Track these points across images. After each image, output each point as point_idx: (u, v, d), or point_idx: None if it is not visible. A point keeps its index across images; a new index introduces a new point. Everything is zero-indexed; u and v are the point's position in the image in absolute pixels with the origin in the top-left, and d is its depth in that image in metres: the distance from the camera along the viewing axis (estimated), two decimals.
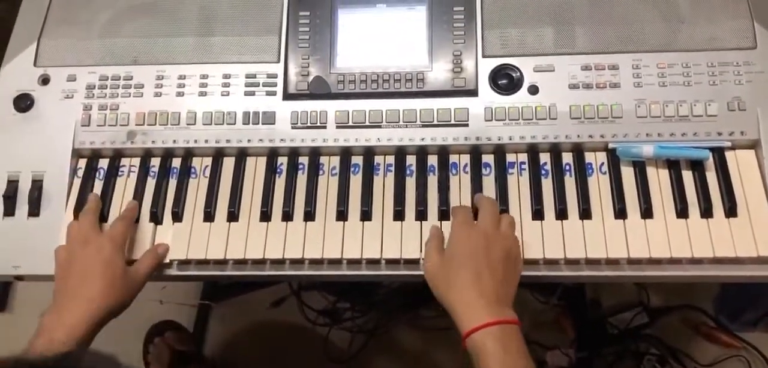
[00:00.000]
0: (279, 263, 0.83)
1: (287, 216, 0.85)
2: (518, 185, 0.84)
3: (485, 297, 0.70)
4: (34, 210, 0.87)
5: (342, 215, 0.84)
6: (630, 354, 1.43)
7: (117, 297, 0.77)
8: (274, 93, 0.89)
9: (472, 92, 0.87)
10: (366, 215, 0.84)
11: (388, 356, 1.49)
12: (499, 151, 0.86)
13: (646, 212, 0.81)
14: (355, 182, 0.86)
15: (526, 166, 0.85)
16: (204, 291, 1.58)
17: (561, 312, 1.48)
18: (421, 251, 0.81)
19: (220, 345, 1.56)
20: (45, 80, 0.92)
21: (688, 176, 0.83)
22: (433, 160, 0.87)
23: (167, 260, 0.84)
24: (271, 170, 0.88)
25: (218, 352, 1.55)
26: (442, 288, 0.74)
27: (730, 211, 0.80)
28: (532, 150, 0.86)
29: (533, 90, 0.87)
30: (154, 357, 1.48)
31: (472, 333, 0.68)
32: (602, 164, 0.85)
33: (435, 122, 0.87)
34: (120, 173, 0.90)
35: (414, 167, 0.86)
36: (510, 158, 0.86)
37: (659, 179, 0.83)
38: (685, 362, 1.42)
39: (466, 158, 0.87)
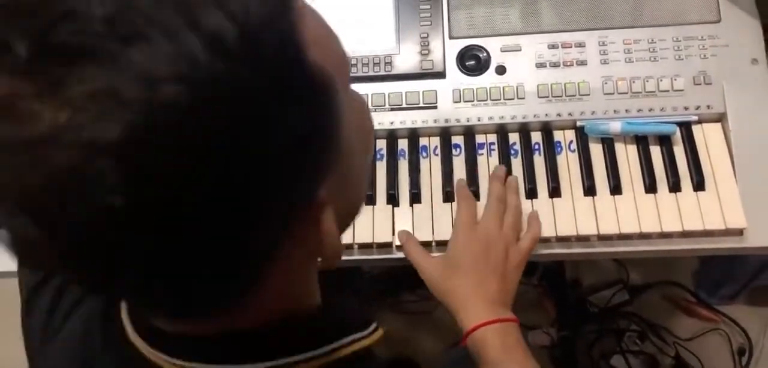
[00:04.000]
0: None
1: None
2: (488, 166, 0.84)
3: (486, 301, 0.71)
4: None
5: None
6: (611, 332, 1.44)
7: None
8: None
9: (440, 74, 0.87)
10: None
11: None
12: (469, 132, 0.86)
13: (615, 189, 0.81)
14: None
15: (495, 146, 0.85)
16: None
17: (542, 292, 1.48)
18: (393, 234, 0.81)
19: None
20: None
21: (656, 152, 0.83)
22: (403, 144, 0.87)
23: None
24: None
25: None
26: (442, 292, 0.74)
27: (699, 185, 0.80)
28: (501, 130, 0.86)
29: (501, 70, 0.86)
30: None
31: (472, 331, 0.69)
32: (571, 142, 0.85)
33: (404, 106, 0.86)
34: None
35: (384, 151, 0.86)
36: (479, 138, 0.86)
37: (628, 155, 0.83)
38: (666, 337, 1.43)
39: (436, 141, 0.86)
